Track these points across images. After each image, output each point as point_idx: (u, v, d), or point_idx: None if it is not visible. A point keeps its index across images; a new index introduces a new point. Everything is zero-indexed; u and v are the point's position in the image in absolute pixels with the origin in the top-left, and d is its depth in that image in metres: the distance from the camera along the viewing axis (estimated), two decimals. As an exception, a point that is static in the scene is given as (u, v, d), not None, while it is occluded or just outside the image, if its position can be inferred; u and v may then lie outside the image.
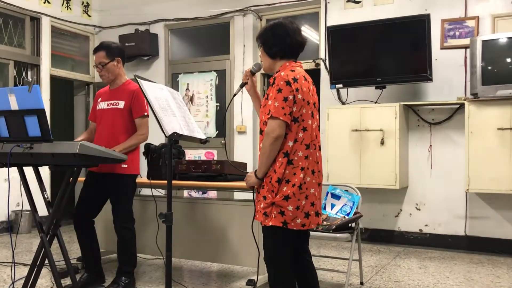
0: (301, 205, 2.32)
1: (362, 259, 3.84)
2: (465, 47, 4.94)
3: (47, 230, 2.86)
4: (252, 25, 6.19)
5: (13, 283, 3.41)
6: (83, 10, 6.94)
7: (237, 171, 3.63)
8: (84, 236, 3.52)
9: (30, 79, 6.20)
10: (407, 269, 4.20)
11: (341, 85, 5.27)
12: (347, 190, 3.66)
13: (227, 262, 3.89)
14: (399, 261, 4.48)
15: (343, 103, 5.54)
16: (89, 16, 7.02)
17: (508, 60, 4.50)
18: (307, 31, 6.12)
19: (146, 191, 4.03)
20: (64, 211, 2.95)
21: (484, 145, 4.52)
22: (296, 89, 2.31)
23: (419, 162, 5.20)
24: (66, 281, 3.17)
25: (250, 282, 3.42)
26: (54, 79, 6.54)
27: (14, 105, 2.71)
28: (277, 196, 2.31)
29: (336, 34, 5.25)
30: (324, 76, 5.67)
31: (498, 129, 4.47)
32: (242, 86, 2.65)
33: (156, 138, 4.48)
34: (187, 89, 6.65)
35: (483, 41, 4.53)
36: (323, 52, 5.68)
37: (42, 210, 3.09)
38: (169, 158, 2.70)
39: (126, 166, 3.38)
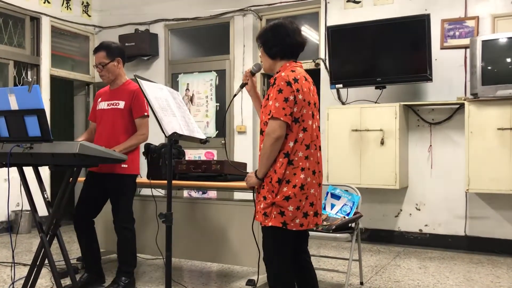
0: (301, 206, 2.32)
1: (362, 259, 3.84)
2: (465, 47, 4.95)
3: (47, 230, 2.86)
4: (252, 25, 6.19)
5: (13, 283, 3.41)
6: (83, 10, 6.94)
7: (237, 171, 3.63)
8: (84, 236, 3.52)
9: (30, 79, 6.20)
10: (407, 269, 4.20)
11: (341, 85, 5.27)
12: (347, 190, 3.66)
13: (227, 262, 3.89)
14: (399, 261, 4.48)
15: (343, 103, 5.54)
16: (89, 16, 7.02)
17: (508, 60, 4.50)
18: (307, 31, 6.12)
19: (146, 191, 4.03)
20: (64, 211, 2.95)
21: (484, 145, 4.52)
22: (296, 89, 2.31)
23: (419, 162, 5.20)
24: (66, 281, 3.17)
25: (250, 282, 3.42)
26: (54, 79, 6.54)
27: (14, 105, 2.71)
28: (278, 197, 2.31)
29: (336, 34, 5.25)
30: (324, 76, 5.67)
31: (498, 129, 4.47)
32: (242, 86, 2.65)
33: (156, 138, 4.48)
34: (187, 89, 6.65)
35: (483, 41, 4.53)
36: (323, 52, 5.68)
37: (42, 210, 3.09)
38: (169, 158, 2.70)
39: (126, 166, 3.38)
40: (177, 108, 2.93)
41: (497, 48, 4.54)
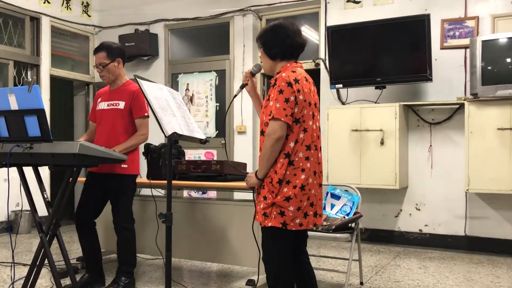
0: (302, 206, 2.32)
1: (362, 259, 3.84)
2: (465, 47, 4.95)
3: (47, 230, 2.86)
4: (252, 25, 6.19)
5: (13, 283, 3.41)
6: (83, 10, 6.94)
7: (237, 171, 3.63)
8: (85, 238, 3.52)
9: (30, 79, 6.20)
10: (407, 269, 4.20)
11: (341, 85, 5.27)
12: (347, 190, 3.66)
13: (227, 262, 3.89)
14: (399, 261, 4.48)
15: (343, 103, 5.54)
16: (89, 16, 7.02)
17: (508, 60, 4.50)
18: (307, 31, 6.12)
19: (146, 191, 4.03)
20: (64, 211, 2.95)
21: (484, 145, 4.52)
22: (297, 90, 2.31)
23: (419, 162, 5.20)
24: (66, 281, 3.17)
25: (250, 282, 3.42)
26: (54, 79, 6.54)
27: (14, 105, 2.71)
28: (278, 197, 2.31)
29: (336, 34, 5.25)
30: (324, 76, 5.67)
31: (498, 129, 4.47)
32: (242, 87, 2.65)
33: (156, 138, 4.49)
34: (187, 89, 6.65)
35: (483, 41, 4.53)
36: (323, 52, 5.68)
37: (42, 210, 3.09)
38: (169, 158, 2.70)
39: (126, 166, 3.38)
40: (177, 108, 2.93)
41: (497, 48, 4.54)
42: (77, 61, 7.08)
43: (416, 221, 5.22)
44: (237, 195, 5.03)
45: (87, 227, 3.52)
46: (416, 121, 5.22)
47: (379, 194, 5.30)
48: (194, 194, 6.32)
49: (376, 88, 5.19)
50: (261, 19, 6.25)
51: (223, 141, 6.25)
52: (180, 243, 3.82)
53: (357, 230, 3.46)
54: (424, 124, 5.18)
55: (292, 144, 2.32)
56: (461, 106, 4.88)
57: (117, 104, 3.46)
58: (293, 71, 2.37)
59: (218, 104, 6.46)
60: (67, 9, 6.66)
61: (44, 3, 6.34)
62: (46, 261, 2.89)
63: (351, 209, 3.54)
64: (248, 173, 2.52)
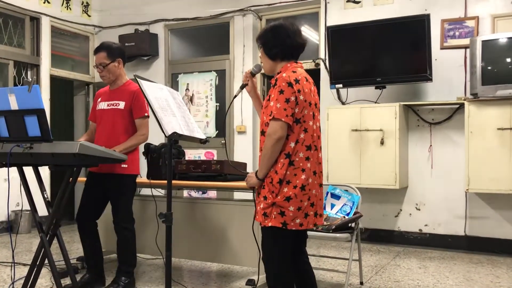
0: (303, 206, 2.32)
1: (362, 259, 3.84)
2: (465, 47, 4.95)
3: (47, 230, 2.87)
4: (252, 25, 6.19)
5: (13, 283, 3.41)
6: (83, 10, 6.94)
7: (237, 171, 3.64)
8: (87, 239, 3.53)
9: (30, 79, 6.20)
10: (406, 269, 4.20)
11: (341, 85, 5.27)
12: (347, 190, 3.66)
13: (227, 262, 3.89)
14: (399, 261, 4.48)
15: (343, 103, 5.54)
16: (89, 16, 7.02)
17: (508, 60, 4.50)
18: (307, 31, 6.12)
19: (146, 191, 4.03)
20: (64, 211, 2.95)
21: (484, 145, 4.52)
22: (298, 90, 2.31)
23: (418, 162, 5.20)
24: (66, 281, 3.17)
25: (250, 282, 3.42)
26: (54, 79, 6.54)
27: (14, 105, 2.71)
28: (278, 197, 2.31)
29: (336, 34, 5.25)
30: (324, 76, 5.67)
31: (498, 129, 4.47)
32: (242, 87, 2.65)
33: (156, 138, 4.49)
34: (187, 89, 6.65)
35: (483, 41, 4.53)
36: (323, 52, 5.68)
37: (42, 210, 3.09)
38: (169, 158, 2.71)
39: (126, 166, 3.38)
40: (177, 108, 2.94)
41: (497, 48, 4.54)
42: (77, 61, 7.08)
43: (416, 221, 5.22)
44: (237, 195, 5.04)
45: (89, 228, 3.52)
46: (416, 121, 5.22)
47: (379, 194, 5.30)
48: (194, 194, 6.32)
49: (376, 88, 5.19)
50: (261, 19, 6.26)
51: (223, 141, 6.25)
52: (180, 243, 3.82)
53: (357, 230, 3.46)
54: (424, 124, 5.19)
55: (292, 144, 2.32)
56: (461, 106, 4.89)
57: (117, 104, 3.46)
58: (294, 71, 2.37)
59: (218, 104, 6.46)
60: (67, 9, 6.66)
61: (44, 3, 6.34)
62: (46, 261, 2.89)
63: (351, 209, 3.54)
64: (248, 173, 2.52)
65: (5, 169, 2.82)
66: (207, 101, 6.53)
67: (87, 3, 6.97)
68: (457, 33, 5.03)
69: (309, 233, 2.73)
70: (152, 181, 3.74)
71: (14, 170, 2.94)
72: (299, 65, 2.48)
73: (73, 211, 6.54)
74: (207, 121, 6.51)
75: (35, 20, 6.30)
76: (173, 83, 6.72)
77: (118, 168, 3.36)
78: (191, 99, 6.61)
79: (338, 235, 3.33)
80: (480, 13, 4.94)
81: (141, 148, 3.69)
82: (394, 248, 5.06)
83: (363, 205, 4.02)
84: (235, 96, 2.78)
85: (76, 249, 4.82)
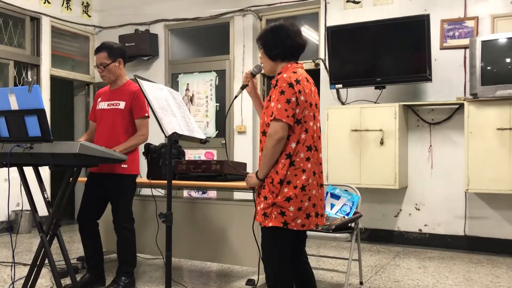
0: (304, 207, 2.32)
1: (362, 259, 3.84)
2: (465, 47, 4.95)
3: (47, 230, 2.87)
4: (252, 25, 6.19)
5: (13, 283, 3.41)
6: (83, 10, 6.95)
7: (237, 171, 3.64)
8: (88, 239, 3.53)
9: (30, 79, 6.21)
10: (406, 269, 4.20)
11: (340, 85, 5.27)
12: (346, 190, 3.67)
13: (227, 262, 3.89)
14: (399, 261, 4.48)
15: (342, 103, 5.54)
16: (89, 16, 7.03)
17: (508, 60, 4.51)
18: (307, 31, 6.12)
19: (146, 191, 4.03)
20: (64, 211, 2.95)
21: (484, 145, 4.52)
22: (298, 91, 2.31)
23: (418, 162, 5.20)
24: (66, 280, 3.18)
25: (250, 282, 3.43)
26: (54, 79, 6.54)
27: (14, 105, 2.71)
28: (278, 197, 2.31)
29: (335, 34, 5.26)
30: (324, 76, 5.67)
31: (498, 129, 4.47)
32: (242, 88, 2.65)
33: (156, 138, 4.49)
34: (187, 89, 6.65)
35: (482, 41, 4.54)
36: (322, 52, 5.69)
37: (42, 210, 3.10)
38: (169, 158, 2.71)
39: (126, 166, 3.38)
40: (177, 108, 2.94)
41: (497, 48, 4.55)
42: (77, 61, 7.08)
43: (415, 221, 5.23)
44: (237, 195, 5.04)
45: (90, 228, 3.53)
46: (415, 121, 5.23)
47: (378, 194, 5.31)
48: (194, 194, 6.32)
49: (376, 88, 5.20)
50: (261, 20, 6.26)
51: (223, 141, 6.25)
52: (180, 243, 3.83)
53: (357, 230, 3.46)
54: (423, 124, 5.19)
55: (293, 145, 2.32)
56: (461, 106, 4.89)
57: (118, 104, 3.46)
58: (294, 72, 2.37)
59: (218, 104, 6.46)
60: (67, 9, 6.67)
61: (44, 3, 6.34)
62: (46, 261, 2.89)
63: (350, 209, 3.54)
64: (248, 173, 2.53)
65: (5, 169, 2.82)
66: (207, 101, 6.53)
67: (87, 3, 6.98)
68: (456, 33, 5.04)
69: (309, 233, 2.73)
70: (152, 181, 3.74)
71: (14, 170, 2.94)
72: (300, 65, 2.48)
73: (73, 211, 6.55)
74: (207, 121, 6.51)
75: (35, 20, 6.31)
76: (173, 83, 6.73)
77: (118, 168, 3.37)
78: (191, 99, 6.62)
79: (338, 235, 3.33)
80: (480, 13, 4.95)
81: (141, 148, 3.70)
82: (394, 248, 5.06)
83: (363, 205, 4.02)
84: (236, 96, 2.79)
85: (76, 249, 4.82)
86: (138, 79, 2.76)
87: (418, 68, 4.84)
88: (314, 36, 6.08)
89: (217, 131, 6.44)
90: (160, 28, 6.76)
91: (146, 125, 3.50)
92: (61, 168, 2.82)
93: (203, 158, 6.41)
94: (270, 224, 2.32)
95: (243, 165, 3.91)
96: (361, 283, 3.69)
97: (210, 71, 6.51)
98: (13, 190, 4.49)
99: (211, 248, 3.79)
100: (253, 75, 2.63)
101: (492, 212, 4.86)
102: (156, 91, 2.84)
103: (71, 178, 2.90)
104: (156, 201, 3.71)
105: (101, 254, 3.60)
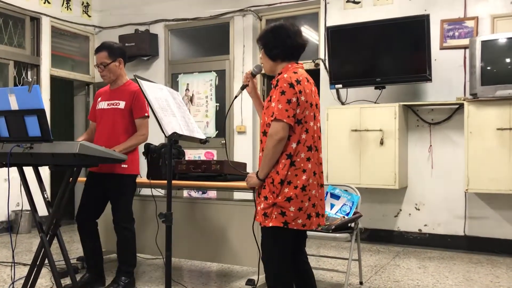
0: (304, 207, 2.32)
1: (362, 259, 3.85)
2: (465, 47, 4.95)
3: (47, 230, 2.87)
4: (252, 26, 6.20)
5: (13, 283, 3.41)
6: (83, 10, 6.95)
7: (237, 171, 3.64)
8: (87, 239, 3.53)
9: (30, 79, 6.21)
10: (406, 269, 4.20)
11: (340, 85, 5.28)
12: (346, 190, 3.67)
13: (226, 262, 3.89)
14: (399, 261, 4.48)
15: (342, 103, 5.55)
16: (89, 16, 7.03)
17: (508, 60, 4.51)
18: (306, 31, 6.12)
19: (146, 191, 4.03)
20: (64, 211, 2.95)
21: (484, 145, 4.52)
22: (299, 91, 2.31)
23: (418, 162, 5.20)
24: (66, 280, 3.18)
25: (250, 282, 3.43)
26: (54, 79, 6.54)
27: (14, 105, 2.72)
28: (279, 198, 2.31)
29: (335, 34, 5.26)
30: (324, 76, 5.67)
31: (498, 129, 4.47)
32: (243, 88, 2.66)
33: (156, 138, 4.49)
34: (187, 89, 6.66)
35: (482, 41, 4.54)
36: (322, 53, 5.69)
37: (42, 210, 3.10)
38: (169, 158, 2.71)
39: (126, 166, 3.38)
40: (177, 108, 2.94)
41: (497, 49, 4.55)
42: (77, 61, 7.09)
43: (415, 221, 5.23)
44: (237, 195, 5.04)
45: (89, 228, 3.53)
46: (415, 121, 5.23)
47: (378, 194, 5.31)
48: (194, 194, 6.32)
49: (376, 88, 5.20)
50: (261, 20, 6.26)
51: (223, 141, 6.26)
52: (180, 243, 3.83)
53: (357, 230, 3.46)
54: (423, 124, 5.19)
55: (294, 145, 2.32)
56: (461, 106, 4.89)
57: (118, 104, 3.46)
58: (295, 72, 2.38)
59: (218, 104, 6.46)
60: (67, 9, 6.67)
61: (44, 3, 6.34)
62: (46, 261, 2.89)
63: (350, 209, 3.54)
64: (248, 173, 2.53)
65: (5, 169, 2.82)
66: (207, 101, 6.53)
67: (87, 3, 6.98)
68: (456, 33, 5.04)
69: (309, 233, 2.73)
70: (152, 181, 3.74)
71: (14, 170, 2.94)
72: (300, 65, 2.48)
73: (73, 211, 6.54)
74: (207, 121, 6.51)
75: (35, 20, 6.31)
76: (173, 83, 6.73)
77: (118, 168, 3.37)
78: (191, 99, 6.62)
79: (337, 235, 3.33)
80: (480, 13, 4.95)
81: (141, 148, 3.70)
82: (394, 248, 5.07)
83: (362, 205, 4.02)
84: (236, 96, 2.79)
85: (76, 249, 4.82)
86: (138, 79, 2.76)
87: (418, 68, 4.85)
88: (314, 36, 6.08)
89: (217, 131, 6.44)
90: (160, 28, 6.76)
91: (146, 125, 3.50)
92: (61, 168, 2.83)
93: (203, 158, 6.42)
94: (271, 224, 2.33)
95: (243, 165, 3.91)
96: (361, 283, 3.69)
97: (210, 71, 6.51)
98: (13, 190, 4.49)
99: (211, 248, 3.80)
100: (253, 75, 2.64)
101: (492, 212, 4.86)
102: (156, 91, 2.84)
103: (71, 178, 2.90)
104: (156, 201, 3.71)
105: (101, 253, 3.60)
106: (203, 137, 3.02)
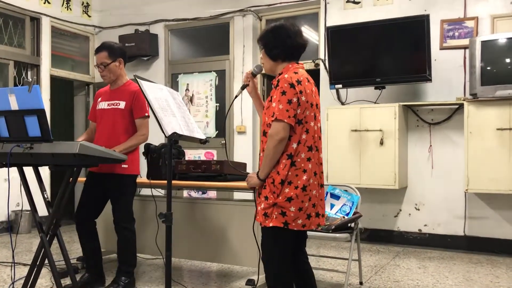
0: (304, 207, 2.33)
1: (362, 259, 3.85)
2: (465, 47, 4.95)
3: (47, 230, 2.87)
4: (252, 26, 6.20)
5: (13, 283, 3.41)
6: (83, 11, 6.95)
7: (237, 171, 3.64)
8: (85, 238, 3.53)
9: (30, 79, 6.21)
10: (406, 269, 4.20)
11: (340, 86, 5.28)
12: (346, 190, 3.67)
13: (226, 262, 3.89)
14: (399, 261, 4.48)
15: (342, 104, 5.55)
16: (89, 16, 7.03)
17: (507, 60, 4.51)
18: (306, 31, 6.13)
19: (146, 191, 4.03)
20: (64, 211, 2.95)
21: (483, 145, 4.53)
22: (300, 91, 2.31)
23: (418, 162, 5.20)
24: (66, 281, 3.18)
25: (250, 282, 3.43)
26: (54, 79, 6.54)
27: (14, 105, 2.72)
28: (279, 198, 2.31)
29: (335, 34, 5.26)
30: (324, 77, 5.67)
31: (497, 129, 4.48)
32: (243, 88, 2.66)
33: (156, 138, 4.49)
34: (187, 89, 6.66)
35: (482, 41, 4.54)
36: (322, 53, 5.69)
37: (42, 210, 3.10)
38: (169, 158, 2.71)
39: (126, 166, 3.38)
40: (177, 108, 2.94)
41: (496, 49, 4.55)
42: (77, 61, 7.09)
43: (415, 221, 5.23)
44: (237, 195, 5.04)
45: (87, 227, 3.53)
46: (415, 121, 5.23)
47: (378, 194, 5.31)
48: (194, 194, 6.32)
49: (376, 88, 5.20)
50: (261, 20, 6.26)
51: (223, 141, 6.26)
52: (180, 243, 3.83)
53: (357, 230, 3.46)
54: (423, 124, 5.19)
55: (294, 145, 2.33)
56: (461, 106, 4.89)
57: (118, 104, 3.46)
58: (295, 72, 2.38)
59: (218, 104, 6.47)
60: (67, 9, 6.67)
61: (44, 3, 6.34)
62: (46, 261, 2.89)
63: (350, 209, 3.54)
64: (248, 173, 2.53)
65: (5, 169, 2.82)
66: (207, 101, 6.53)
67: (87, 3, 6.98)
68: (456, 34, 5.04)
69: (309, 233, 2.73)
70: (152, 181, 3.74)
71: (14, 170, 2.94)
72: (301, 65, 2.49)
73: (73, 211, 6.52)
74: (207, 121, 6.51)
75: (35, 20, 6.31)
76: (173, 83, 6.73)
77: (118, 168, 3.37)
78: (191, 99, 6.62)
79: (337, 235, 3.33)
80: (480, 13, 4.95)
81: (141, 148, 3.70)
82: (394, 248, 5.07)
83: (362, 205, 4.02)
84: (236, 96, 2.79)
85: (76, 249, 4.82)
86: (138, 79, 2.76)
87: (418, 68, 4.85)
88: (314, 36, 6.08)
89: (217, 131, 6.44)
90: (160, 28, 6.76)
91: (146, 125, 3.50)
92: (61, 168, 2.83)
93: (203, 158, 6.42)
94: (271, 224, 2.33)
95: (243, 165, 3.91)
96: (361, 283, 3.69)
97: (210, 71, 6.51)
98: (13, 190, 4.49)
99: (211, 248, 3.80)
100: (253, 75, 2.64)
101: (491, 212, 4.86)
102: (156, 91, 2.84)
103: (71, 178, 2.90)
104: (156, 201, 3.71)
105: (100, 253, 3.60)
106: (203, 137, 3.02)
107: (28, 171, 2.91)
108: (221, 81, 6.44)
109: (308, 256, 2.64)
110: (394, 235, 5.32)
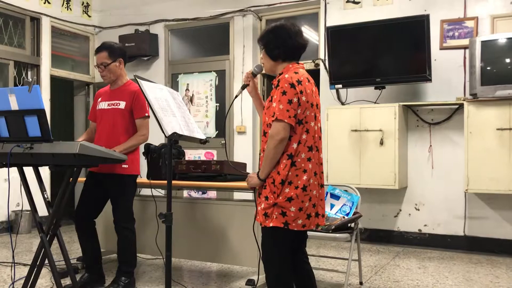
0: (304, 207, 2.33)
1: (362, 259, 3.85)
2: (464, 47, 4.95)
3: (47, 230, 2.87)
4: (252, 26, 6.20)
5: (13, 283, 3.41)
6: (83, 10, 6.95)
7: (237, 171, 3.64)
8: (85, 237, 3.53)
9: (30, 79, 6.21)
10: (406, 269, 4.20)
11: (340, 86, 5.28)
12: (346, 190, 3.67)
13: (226, 262, 3.89)
14: (398, 261, 4.48)
15: (342, 104, 5.55)
16: (89, 16, 7.03)
17: (507, 60, 4.51)
18: (306, 31, 6.12)
19: (146, 191, 4.03)
20: (64, 211, 2.95)
21: (483, 146, 4.53)
22: (300, 91, 2.32)
23: (418, 162, 5.21)
24: (66, 281, 3.18)
25: (250, 282, 3.43)
26: (54, 79, 6.54)
27: (14, 105, 2.72)
28: (280, 198, 2.31)
29: (335, 34, 5.26)
30: (324, 77, 5.67)
31: (497, 129, 4.48)
32: (243, 88, 2.66)
33: (156, 138, 4.49)
34: (187, 89, 6.66)
35: (482, 41, 4.54)
36: (322, 53, 5.69)
37: (42, 210, 3.10)
38: (169, 158, 2.71)
39: (127, 166, 3.38)
40: (177, 108, 2.94)
41: (496, 49, 4.55)
42: (77, 61, 7.09)
43: (415, 221, 5.23)
44: (237, 195, 5.04)
45: (87, 227, 3.53)
46: (415, 121, 5.23)
47: (378, 194, 5.31)
48: (194, 194, 6.32)
49: (376, 88, 5.20)
50: (261, 20, 6.26)
51: (223, 141, 6.26)
52: (180, 243, 3.83)
53: (357, 230, 3.46)
54: (423, 124, 5.19)
55: (295, 145, 2.33)
56: (461, 106, 4.89)
57: (118, 104, 3.46)
58: (296, 72, 2.38)
59: (218, 104, 6.47)
60: (67, 9, 6.67)
61: (44, 3, 6.34)
62: (46, 261, 2.89)
63: (350, 209, 3.54)
64: (248, 173, 2.53)
65: (5, 169, 2.82)
66: (207, 101, 6.53)
67: (87, 3, 6.98)
68: (456, 34, 5.04)
69: (309, 233, 2.73)
70: (152, 181, 3.75)
71: (14, 170, 2.94)
72: (301, 65, 2.49)
73: (73, 211, 6.55)
74: (207, 121, 6.51)
75: (36, 21, 6.31)
76: (173, 83, 6.73)
77: (118, 168, 3.37)
78: (191, 99, 6.62)
79: (337, 235, 3.33)
80: (480, 13, 4.95)
81: (141, 148, 3.70)
82: (394, 248, 5.07)
83: (362, 205, 4.03)
84: (236, 96, 2.79)
85: (76, 249, 4.82)
86: (138, 79, 2.76)
87: (418, 68, 4.85)
88: (314, 36, 6.08)
89: (217, 131, 6.44)
90: (160, 28, 6.76)
91: (146, 125, 3.50)
92: (61, 168, 2.83)
93: (203, 158, 6.42)
94: (271, 224, 2.33)
95: (243, 165, 3.91)
96: (361, 283, 3.69)
97: (210, 71, 6.52)
98: (13, 190, 4.50)
99: (211, 248, 3.80)
100: (254, 75, 2.64)
101: (491, 212, 4.86)
102: (156, 91, 2.85)
103: (71, 178, 2.90)
104: (156, 201, 3.71)
105: (99, 253, 3.60)
106: (203, 137, 3.02)
107: (28, 171, 2.92)
108: (221, 81, 6.44)
109: (308, 256, 2.64)
110: (394, 235, 5.32)
